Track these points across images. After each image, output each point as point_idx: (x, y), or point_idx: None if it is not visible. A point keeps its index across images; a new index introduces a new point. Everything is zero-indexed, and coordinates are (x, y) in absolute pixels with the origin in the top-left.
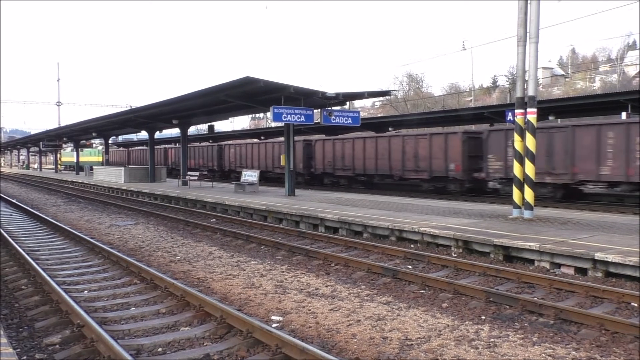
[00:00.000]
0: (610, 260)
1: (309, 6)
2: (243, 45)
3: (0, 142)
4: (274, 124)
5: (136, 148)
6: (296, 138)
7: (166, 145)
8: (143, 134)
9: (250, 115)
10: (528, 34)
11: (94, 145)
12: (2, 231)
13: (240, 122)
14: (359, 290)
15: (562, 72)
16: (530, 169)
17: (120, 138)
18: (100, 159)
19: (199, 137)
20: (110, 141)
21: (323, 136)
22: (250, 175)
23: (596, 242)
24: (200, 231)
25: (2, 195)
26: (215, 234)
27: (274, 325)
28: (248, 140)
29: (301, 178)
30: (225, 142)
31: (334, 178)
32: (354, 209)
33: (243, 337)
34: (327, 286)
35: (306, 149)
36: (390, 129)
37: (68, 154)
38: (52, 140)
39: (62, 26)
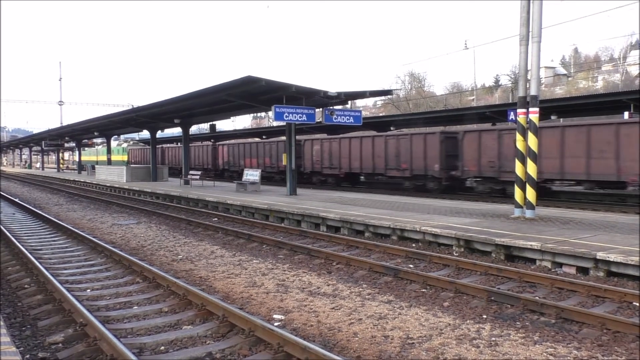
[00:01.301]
0: (612, 259)
1: (310, 5)
2: (245, 45)
3: (1, 142)
4: (275, 123)
5: (173, 145)
6: (430, 130)
7: (218, 142)
8: (172, 131)
9: (251, 115)
10: (530, 33)
11: (118, 142)
12: (5, 230)
13: (242, 121)
14: (361, 289)
15: (564, 72)
16: (532, 168)
17: (123, 137)
18: (124, 157)
19: (231, 135)
20: (133, 138)
21: (478, 126)
22: (251, 175)
23: (598, 242)
24: (202, 230)
25: (4, 194)
26: (217, 233)
27: (275, 323)
28: (341, 135)
29: (434, 184)
30: (305, 137)
31: (498, 184)
32: (355, 208)
33: (245, 336)
34: (328, 285)
35: (447, 144)
36: (392, 128)
37: (86, 153)
38: (54, 139)
39: (64, 26)
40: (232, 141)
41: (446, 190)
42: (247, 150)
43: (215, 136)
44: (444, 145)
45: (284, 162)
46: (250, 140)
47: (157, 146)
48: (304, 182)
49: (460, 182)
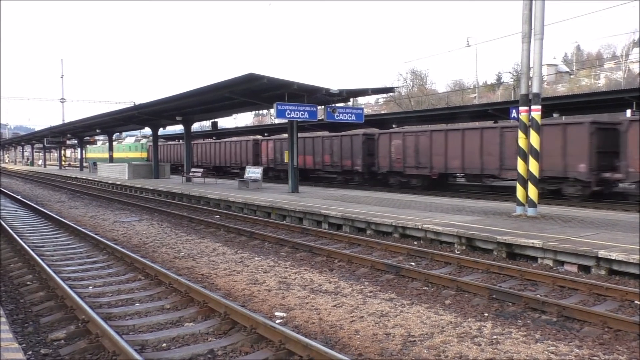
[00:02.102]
0: (613, 258)
1: (312, 3)
2: (247, 43)
3: (2, 139)
4: (277, 121)
5: (206, 141)
6: (573, 119)
7: (258, 136)
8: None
9: (253, 112)
10: (533, 31)
11: (136, 137)
12: (7, 227)
13: (244, 119)
14: (362, 287)
15: (566, 69)
16: (534, 166)
17: (124, 134)
18: (144, 154)
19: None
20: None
21: None
22: (253, 172)
23: (600, 240)
24: (204, 227)
25: (7, 191)
26: (219, 231)
27: (277, 321)
28: (433, 126)
29: (576, 188)
30: (382, 131)
31: None
32: (357, 205)
33: (247, 333)
34: (330, 283)
35: (599, 138)
36: (393, 125)
37: (97, 149)
38: (56, 136)
39: (66, 23)
40: (280, 136)
41: (593, 197)
42: (301, 146)
43: (218, 133)
44: (594, 139)
45: (353, 160)
46: (305, 134)
47: (194, 142)
48: (378, 185)
49: (612, 186)
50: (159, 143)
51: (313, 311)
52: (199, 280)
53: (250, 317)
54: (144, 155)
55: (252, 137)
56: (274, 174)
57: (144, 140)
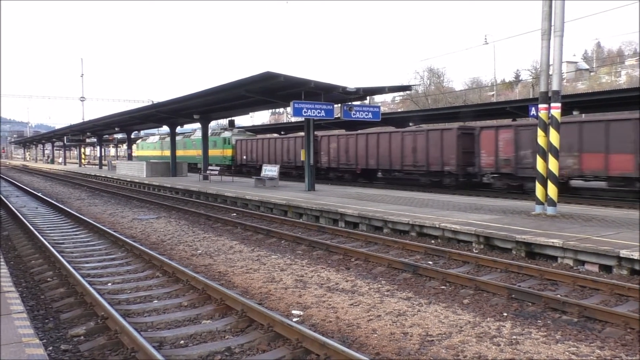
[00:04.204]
0: (635, 257)
1: (328, 2)
2: (263, 41)
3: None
4: (294, 119)
5: (337, 133)
6: None
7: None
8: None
9: (270, 110)
10: (553, 28)
11: (212, 131)
12: (28, 224)
13: (261, 117)
14: (379, 286)
15: (586, 66)
16: (553, 164)
17: (142, 133)
18: (227, 152)
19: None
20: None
21: None
22: (270, 170)
23: (621, 239)
24: (221, 225)
25: (28, 189)
26: (236, 228)
27: (294, 319)
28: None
29: None
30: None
31: None
32: (374, 204)
33: (264, 331)
34: (347, 281)
35: None
36: (410, 124)
37: (148, 145)
38: (76, 134)
39: (86, 23)
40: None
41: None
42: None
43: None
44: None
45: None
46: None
47: (286, 135)
48: None
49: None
50: (252, 139)
51: (330, 310)
52: (216, 278)
53: (267, 315)
54: (228, 153)
55: (403, 129)
56: (452, 186)
57: (227, 134)
